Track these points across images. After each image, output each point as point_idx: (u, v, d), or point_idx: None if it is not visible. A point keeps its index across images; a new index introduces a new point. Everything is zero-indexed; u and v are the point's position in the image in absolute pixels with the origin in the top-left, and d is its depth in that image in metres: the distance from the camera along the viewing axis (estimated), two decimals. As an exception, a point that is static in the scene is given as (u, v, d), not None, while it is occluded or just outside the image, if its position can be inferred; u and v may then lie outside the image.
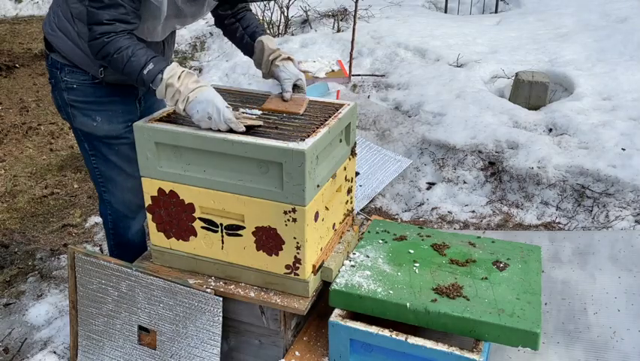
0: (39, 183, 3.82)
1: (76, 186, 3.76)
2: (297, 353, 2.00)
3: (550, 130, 3.65)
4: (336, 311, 1.94)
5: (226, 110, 1.83)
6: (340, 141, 2.08)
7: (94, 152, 2.20)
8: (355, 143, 2.18)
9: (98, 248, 3.08)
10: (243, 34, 2.27)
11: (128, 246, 2.38)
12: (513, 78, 4.13)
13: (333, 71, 4.60)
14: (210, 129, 1.85)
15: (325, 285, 2.03)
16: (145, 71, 1.84)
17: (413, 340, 1.80)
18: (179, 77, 1.84)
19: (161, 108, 2.15)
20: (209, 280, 2.03)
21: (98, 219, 3.34)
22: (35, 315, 2.64)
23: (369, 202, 3.43)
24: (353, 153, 2.18)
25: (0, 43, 6.48)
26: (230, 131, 1.84)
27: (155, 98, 2.17)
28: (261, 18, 5.55)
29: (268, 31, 2.06)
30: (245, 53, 2.31)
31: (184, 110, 1.85)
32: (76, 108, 2.11)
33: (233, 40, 2.33)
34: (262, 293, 1.96)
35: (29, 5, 8.01)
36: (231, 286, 1.99)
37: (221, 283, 2.01)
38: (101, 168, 2.22)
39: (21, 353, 2.46)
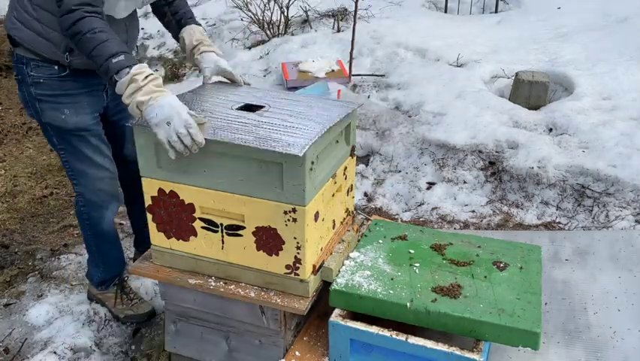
0: (39, 183, 3.82)
1: (76, 186, 3.76)
2: (297, 353, 2.00)
3: (551, 130, 3.65)
4: (336, 311, 1.94)
5: (188, 116, 1.76)
6: (340, 141, 2.08)
7: (63, 145, 2.24)
8: (355, 143, 2.18)
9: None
10: (171, 19, 2.29)
11: (104, 236, 2.43)
12: (513, 78, 4.13)
13: (333, 71, 4.60)
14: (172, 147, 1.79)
15: (325, 285, 2.03)
16: (114, 60, 1.79)
17: (413, 340, 1.80)
18: (145, 77, 1.80)
19: None
20: (210, 280, 2.03)
21: (98, 219, 3.34)
22: (35, 315, 2.64)
23: (369, 202, 3.44)
24: (353, 153, 2.18)
25: (0, 44, 6.48)
26: (183, 141, 1.75)
27: None
28: (261, 18, 5.55)
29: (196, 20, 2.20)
30: (174, 38, 2.33)
31: (142, 110, 1.78)
32: (44, 102, 2.13)
33: (162, 23, 2.34)
34: (262, 293, 1.96)
35: (29, 5, 8.00)
36: (231, 286, 1.99)
37: (221, 283, 2.01)
38: (71, 161, 2.26)
39: (21, 353, 2.46)
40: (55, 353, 2.41)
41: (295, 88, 4.35)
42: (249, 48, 5.48)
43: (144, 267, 2.11)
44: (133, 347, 2.52)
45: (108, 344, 2.52)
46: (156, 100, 1.77)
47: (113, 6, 2.02)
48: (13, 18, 2.08)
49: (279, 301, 1.93)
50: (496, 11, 6.10)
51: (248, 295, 1.96)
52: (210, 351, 2.16)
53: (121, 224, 3.26)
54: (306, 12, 5.71)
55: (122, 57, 1.79)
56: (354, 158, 2.20)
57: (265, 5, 5.54)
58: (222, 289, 1.98)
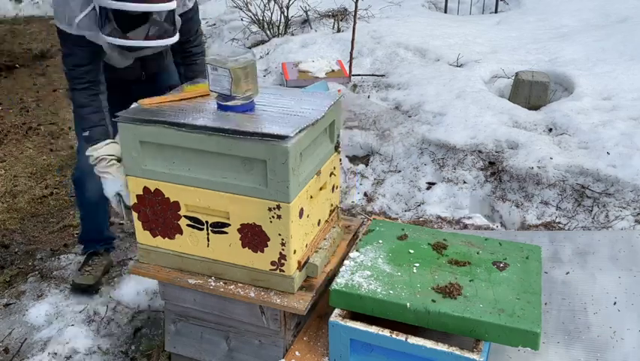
0: (39, 183, 3.82)
1: (76, 186, 3.76)
2: (297, 353, 2.00)
3: (550, 130, 3.65)
4: (336, 311, 1.94)
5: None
6: (324, 138, 2.08)
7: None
8: (339, 139, 2.18)
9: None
10: (180, 74, 2.53)
11: (83, 203, 2.73)
12: (513, 78, 4.13)
13: (333, 71, 4.60)
14: None
15: (325, 285, 2.03)
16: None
17: (413, 340, 1.80)
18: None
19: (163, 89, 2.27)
20: (210, 279, 2.02)
21: (98, 219, 3.34)
22: (35, 315, 2.64)
23: (369, 202, 3.44)
24: (337, 150, 2.17)
25: (0, 44, 6.48)
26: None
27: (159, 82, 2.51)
28: (261, 18, 5.55)
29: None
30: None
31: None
32: None
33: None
34: (262, 293, 1.96)
35: (29, 5, 8.01)
36: (231, 287, 1.99)
37: (221, 283, 2.01)
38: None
39: (21, 353, 2.46)
40: (55, 353, 2.41)
41: (295, 88, 4.35)
42: (249, 48, 5.49)
43: (144, 267, 2.11)
44: (133, 347, 2.52)
45: (108, 344, 2.52)
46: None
47: (110, 58, 2.31)
48: None
49: (278, 301, 1.93)
50: (496, 11, 6.10)
51: (248, 295, 1.96)
52: (210, 351, 2.16)
53: (120, 224, 3.26)
54: (306, 12, 5.71)
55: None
56: (339, 154, 2.20)
57: (265, 5, 5.55)
58: (222, 289, 1.98)
